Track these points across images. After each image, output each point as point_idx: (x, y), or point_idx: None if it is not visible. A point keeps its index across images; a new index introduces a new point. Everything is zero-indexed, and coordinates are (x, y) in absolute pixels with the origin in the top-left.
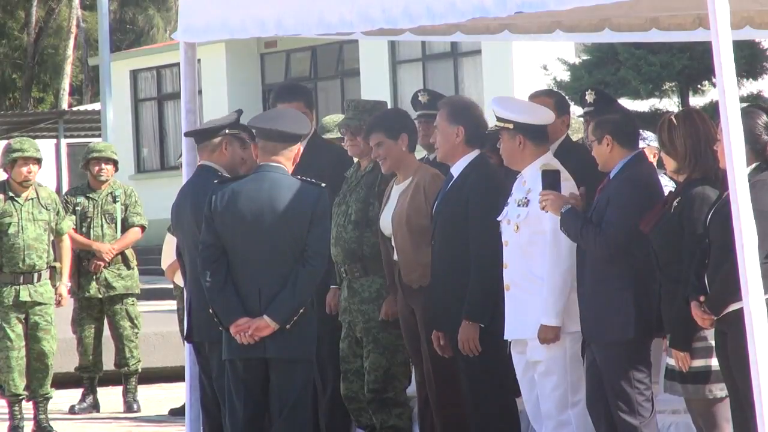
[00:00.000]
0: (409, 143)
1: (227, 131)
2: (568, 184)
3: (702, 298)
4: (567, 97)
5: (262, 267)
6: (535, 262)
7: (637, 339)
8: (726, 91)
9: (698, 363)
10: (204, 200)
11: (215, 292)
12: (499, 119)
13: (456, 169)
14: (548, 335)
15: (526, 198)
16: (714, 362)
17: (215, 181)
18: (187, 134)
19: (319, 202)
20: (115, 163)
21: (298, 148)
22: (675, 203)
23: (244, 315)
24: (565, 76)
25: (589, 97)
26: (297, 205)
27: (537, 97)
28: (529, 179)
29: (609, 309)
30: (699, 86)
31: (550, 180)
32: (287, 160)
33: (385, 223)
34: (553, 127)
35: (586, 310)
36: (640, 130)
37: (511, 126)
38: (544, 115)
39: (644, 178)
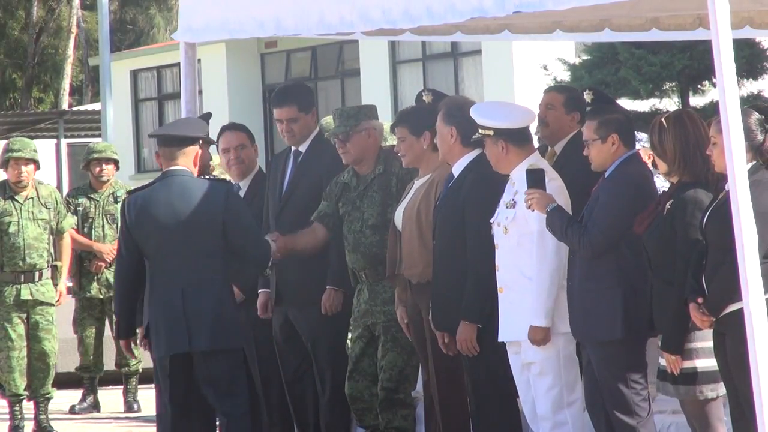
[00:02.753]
0: (432, 142)
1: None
2: (556, 184)
3: (700, 300)
4: None
5: (182, 268)
6: (525, 263)
7: (626, 338)
8: (726, 91)
9: (685, 364)
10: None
11: (124, 308)
12: (480, 126)
13: (456, 169)
14: (538, 336)
15: (513, 200)
16: (700, 363)
17: (126, 192)
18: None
19: (228, 197)
20: (116, 162)
21: (196, 151)
22: (668, 205)
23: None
24: (565, 76)
25: (588, 96)
26: (207, 203)
27: (549, 92)
28: (517, 181)
29: (597, 307)
30: (699, 86)
31: (535, 178)
32: (188, 162)
33: (398, 215)
34: (560, 123)
35: (574, 308)
36: (636, 132)
37: (491, 132)
38: (524, 117)
39: (635, 178)
